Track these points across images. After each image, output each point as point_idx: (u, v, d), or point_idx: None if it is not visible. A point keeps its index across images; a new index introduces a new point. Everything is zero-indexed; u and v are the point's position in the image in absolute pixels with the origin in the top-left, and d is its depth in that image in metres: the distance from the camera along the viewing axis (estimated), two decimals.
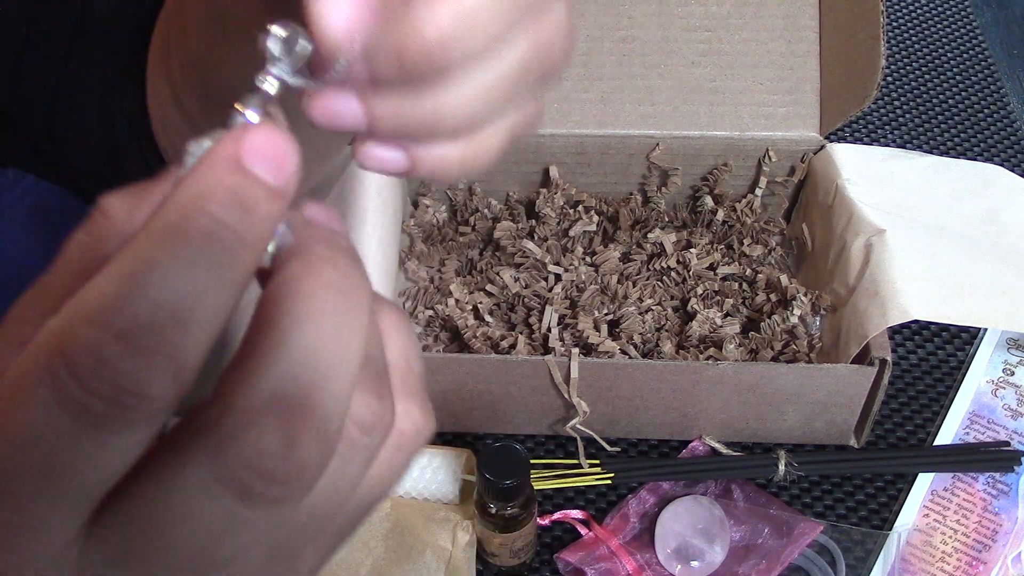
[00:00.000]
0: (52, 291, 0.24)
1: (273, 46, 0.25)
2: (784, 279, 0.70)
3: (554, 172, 0.77)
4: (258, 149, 0.22)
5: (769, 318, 0.68)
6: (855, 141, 0.88)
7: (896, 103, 0.92)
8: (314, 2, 0.23)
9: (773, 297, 0.70)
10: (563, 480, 0.65)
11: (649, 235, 0.74)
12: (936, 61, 0.96)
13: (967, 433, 0.68)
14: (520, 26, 0.26)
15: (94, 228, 0.24)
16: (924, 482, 0.65)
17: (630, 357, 0.67)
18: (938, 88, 0.93)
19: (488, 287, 0.72)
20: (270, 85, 0.25)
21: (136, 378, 0.20)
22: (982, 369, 0.71)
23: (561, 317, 0.69)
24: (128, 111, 0.57)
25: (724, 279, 0.73)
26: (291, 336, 0.22)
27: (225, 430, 0.21)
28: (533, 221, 0.76)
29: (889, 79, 0.94)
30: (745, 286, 0.73)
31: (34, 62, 0.55)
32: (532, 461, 0.61)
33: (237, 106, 0.24)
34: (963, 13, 1.01)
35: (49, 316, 0.22)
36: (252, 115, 0.24)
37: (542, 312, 0.69)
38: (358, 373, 0.23)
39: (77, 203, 0.62)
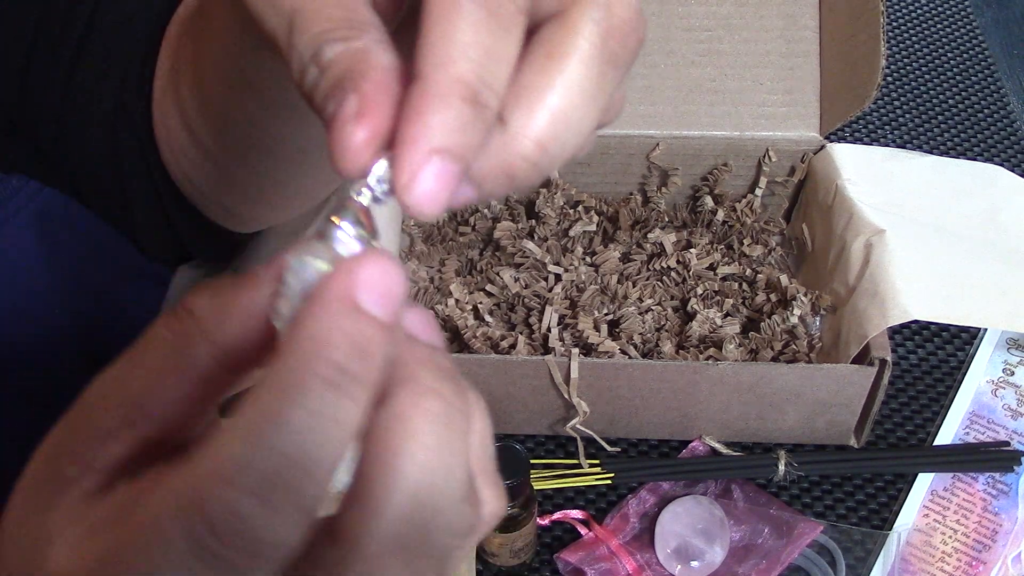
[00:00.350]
0: (131, 386, 0.25)
1: (377, 169, 0.25)
2: (784, 279, 0.70)
3: (554, 172, 0.77)
4: (371, 285, 0.23)
5: (769, 318, 0.68)
6: (855, 141, 0.88)
7: (896, 103, 0.92)
8: (398, 179, 0.25)
9: (773, 297, 0.70)
10: (563, 480, 0.65)
11: (649, 235, 0.74)
12: (936, 61, 0.96)
13: (967, 433, 0.68)
14: (607, 84, 0.28)
15: (179, 327, 0.25)
16: (924, 482, 0.65)
17: (630, 357, 0.67)
18: (938, 88, 0.93)
19: (488, 287, 0.72)
20: (365, 197, 0.26)
21: (271, 530, 0.21)
22: (982, 369, 0.71)
23: (561, 317, 0.69)
24: (134, 123, 0.56)
25: (724, 279, 0.73)
26: (406, 478, 0.22)
27: (357, 573, 0.22)
28: (533, 221, 0.76)
29: (889, 79, 0.94)
30: (745, 286, 0.73)
31: (41, 70, 0.55)
32: (532, 461, 0.61)
33: (333, 219, 0.25)
34: (963, 13, 1.01)
35: (129, 411, 0.24)
36: (348, 227, 0.25)
37: (542, 312, 0.69)
38: (464, 497, 0.24)
39: (80, 209, 0.62)
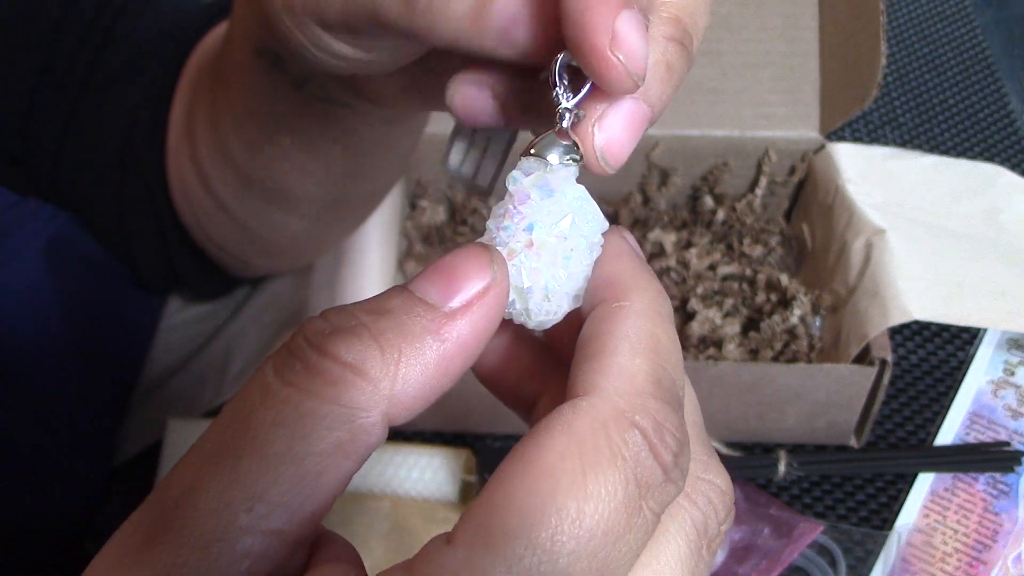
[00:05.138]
0: (272, 487, 0.21)
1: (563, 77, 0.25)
2: (784, 279, 0.70)
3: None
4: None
5: (769, 318, 0.68)
6: (855, 141, 0.88)
7: (896, 103, 0.92)
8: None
9: (773, 297, 0.70)
10: None
11: (649, 235, 0.74)
12: (936, 61, 0.96)
13: (967, 433, 0.68)
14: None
15: (345, 394, 0.22)
16: (924, 482, 0.65)
17: None
18: (938, 88, 0.93)
19: None
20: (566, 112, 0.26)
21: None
22: (982, 369, 0.71)
23: None
24: (143, 169, 0.56)
25: (724, 279, 0.73)
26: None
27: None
28: None
29: (889, 79, 0.93)
30: (745, 286, 0.73)
31: (42, 112, 0.55)
32: None
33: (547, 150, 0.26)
34: (963, 13, 1.01)
35: (279, 521, 0.21)
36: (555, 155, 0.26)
37: None
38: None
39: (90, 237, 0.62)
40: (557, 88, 0.25)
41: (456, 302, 0.22)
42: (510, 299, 0.24)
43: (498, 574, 0.20)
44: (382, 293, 0.23)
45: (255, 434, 0.21)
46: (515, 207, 0.25)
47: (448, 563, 0.20)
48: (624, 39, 0.24)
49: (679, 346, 0.25)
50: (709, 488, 0.25)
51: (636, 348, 0.23)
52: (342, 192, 0.52)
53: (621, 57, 0.24)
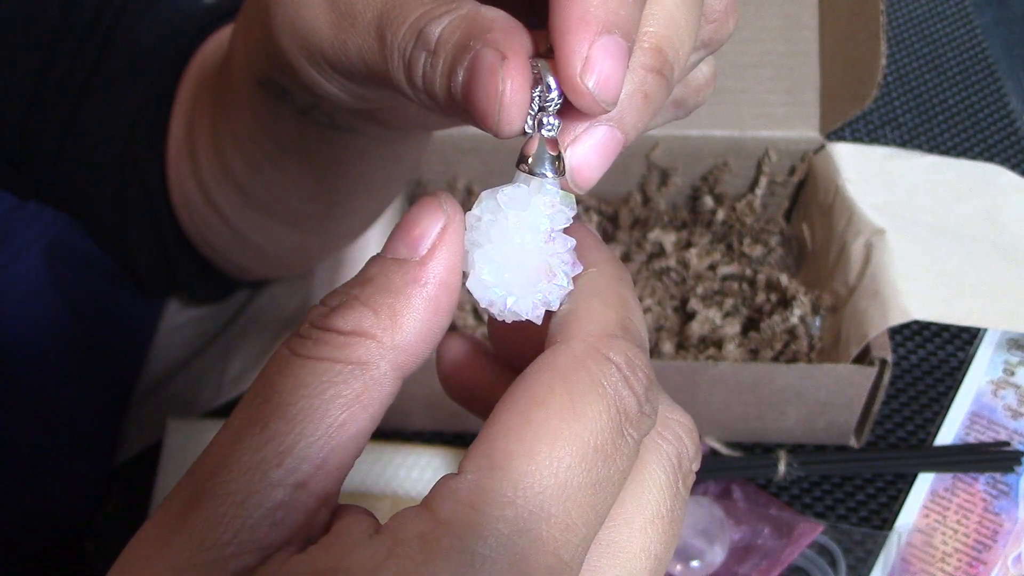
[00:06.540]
0: (298, 442, 0.23)
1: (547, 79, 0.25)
2: (784, 279, 0.70)
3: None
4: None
5: (769, 318, 0.68)
6: (855, 141, 0.88)
7: (896, 103, 0.92)
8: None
9: (773, 297, 0.70)
10: None
11: (649, 235, 0.74)
12: (936, 61, 0.96)
13: (967, 433, 0.68)
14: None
15: (351, 352, 0.24)
16: (924, 482, 0.65)
17: None
18: (938, 88, 0.93)
19: None
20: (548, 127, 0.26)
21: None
22: (982, 369, 0.71)
23: None
24: (143, 174, 0.56)
25: (724, 279, 0.73)
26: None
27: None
28: None
29: (889, 79, 0.93)
30: (745, 286, 0.73)
31: (42, 114, 0.55)
32: None
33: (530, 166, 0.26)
34: (963, 13, 1.01)
35: (306, 474, 0.23)
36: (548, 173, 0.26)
37: None
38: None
39: (90, 240, 0.62)
40: (544, 91, 0.25)
41: (423, 248, 0.25)
42: (543, 300, 0.26)
43: (506, 491, 0.22)
44: (363, 266, 0.25)
45: (279, 399, 0.23)
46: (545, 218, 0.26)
47: (460, 488, 0.22)
48: (596, 65, 0.24)
49: (640, 307, 0.27)
50: (677, 426, 0.28)
51: (606, 302, 0.26)
52: (346, 207, 0.52)
53: (590, 84, 0.24)
